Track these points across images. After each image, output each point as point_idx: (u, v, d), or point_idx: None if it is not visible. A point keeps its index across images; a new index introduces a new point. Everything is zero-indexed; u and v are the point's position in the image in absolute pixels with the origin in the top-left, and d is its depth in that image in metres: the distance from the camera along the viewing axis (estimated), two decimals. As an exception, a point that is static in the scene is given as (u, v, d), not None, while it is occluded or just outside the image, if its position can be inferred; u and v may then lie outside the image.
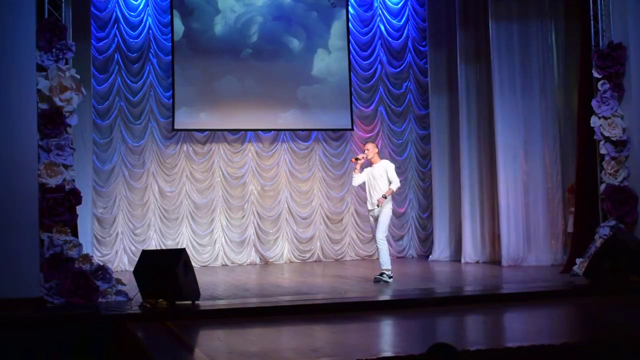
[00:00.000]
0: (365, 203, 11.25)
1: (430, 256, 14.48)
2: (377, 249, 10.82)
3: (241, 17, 14.34)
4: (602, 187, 10.88)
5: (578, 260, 10.62)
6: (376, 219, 10.68)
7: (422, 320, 7.98)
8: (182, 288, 8.28)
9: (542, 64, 12.82)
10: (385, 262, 10.61)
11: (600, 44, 11.01)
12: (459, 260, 13.63)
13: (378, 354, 5.97)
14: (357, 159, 10.89)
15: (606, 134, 10.80)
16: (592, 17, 11.14)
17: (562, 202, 12.72)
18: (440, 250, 14.36)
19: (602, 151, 10.90)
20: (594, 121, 10.89)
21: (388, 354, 6.00)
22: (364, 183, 10.94)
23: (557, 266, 11.96)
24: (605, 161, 10.88)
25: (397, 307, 8.60)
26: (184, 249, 9.04)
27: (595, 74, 10.97)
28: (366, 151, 10.85)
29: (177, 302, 8.30)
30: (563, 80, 12.85)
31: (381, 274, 10.57)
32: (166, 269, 8.30)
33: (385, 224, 10.63)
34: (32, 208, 8.63)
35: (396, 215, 15.14)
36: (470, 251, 13.54)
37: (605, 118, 10.81)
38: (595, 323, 7.80)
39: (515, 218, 12.66)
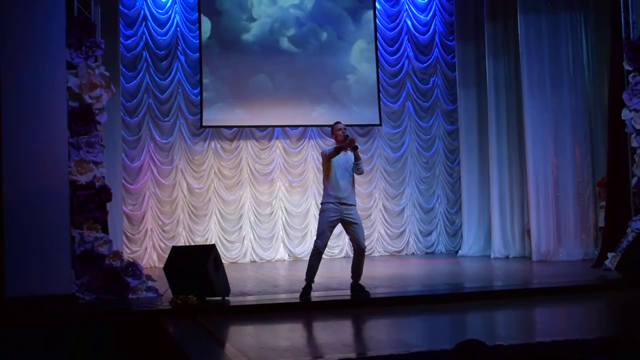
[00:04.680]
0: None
1: (459, 251, 14.43)
2: (358, 260, 8.65)
3: (270, 16, 14.36)
4: (634, 180, 10.77)
5: (610, 255, 10.51)
6: (348, 223, 8.55)
7: (453, 315, 7.93)
8: (213, 284, 8.30)
9: (572, 57, 12.71)
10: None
11: (631, 36, 10.88)
12: (488, 256, 13.56)
13: (408, 349, 5.94)
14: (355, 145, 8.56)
15: (637, 126, 10.68)
16: (622, 8, 11.02)
17: (593, 196, 12.61)
18: (469, 245, 14.30)
19: (634, 144, 10.78)
20: (625, 114, 10.77)
21: (418, 349, 5.96)
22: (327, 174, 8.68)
23: (589, 261, 11.84)
24: (637, 154, 10.76)
25: (427, 302, 8.55)
26: (214, 245, 9.05)
27: (627, 66, 10.85)
28: (344, 131, 8.63)
29: (207, 298, 8.32)
30: (593, 72, 12.73)
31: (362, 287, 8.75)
32: (197, 265, 8.32)
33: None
34: (63, 205, 8.67)
35: (424, 210, 15.12)
36: (500, 246, 13.46)
37: (637, 111, 10.69)
38: (629, 317, 7.71)
39: (546, 212, 12.54)
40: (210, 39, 14.04)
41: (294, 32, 14.46)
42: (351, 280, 8.78)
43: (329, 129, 14.32)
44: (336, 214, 8.54)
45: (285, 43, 14.41)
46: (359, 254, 8.67)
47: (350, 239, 8.83)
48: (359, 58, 14.73)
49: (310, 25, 14.53)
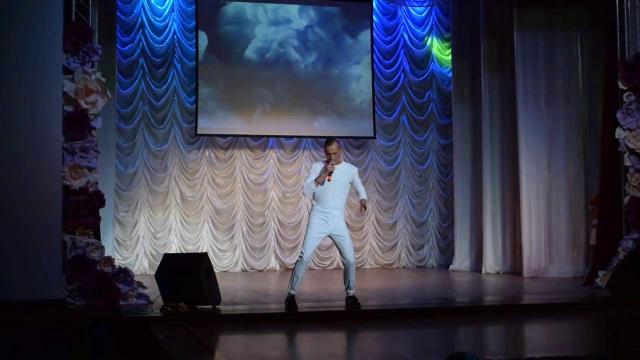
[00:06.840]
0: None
1: (451, 266, 14.42)
2: (350, 272, 8.68)
3: (270, 28, 14.35)
4: (626, 199, 10.79)
5: (600, 273, 10.54)
6: (335, 236, 8.63)
7: (442, 329, 7.94)
8: (204, 292, 8.30)
9: (567, 75, 12.73)
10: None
11: (626, 55, 10.93)
12: (480, 271, 13.55)
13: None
14: (331, 173, 8.64)
15: (631, 146, 10.71)
16: (618, 28, 11.06)
17: (585, 214, 12.61)
18: (461, 260, 14.29)
19: (627, 163, 10.81)
20: (619, 133, 10.80)
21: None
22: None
23: (579, 278, 11.84)
24: (630, 173, 10.78)
25: (418, 316, 8.56)
26: (206, 253, 9.06)
27: (621, 86, 10.89)
28: (333, 155, 8.69)
29: (198, 306, 8.31)
30: (588, 91, 12.75)
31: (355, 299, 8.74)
32: (188, 273, 8.32)
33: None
34: (56, 210, 8.67)
35: (417, 224, 15.14)
36: (491, 261, 13.46)
37: (630, 130, 10.72)
38: (618, 335, 7.73)
39: (538, 229, 12.56)
40: (207, 50, 14.04)
41: (294, 45, 14.46)
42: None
43: (324, 140, 14.45)
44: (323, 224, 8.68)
45: (284, 56, 14.41)
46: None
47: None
48: (356, 71, 14.76)
49: (309, 39, 14.54)
